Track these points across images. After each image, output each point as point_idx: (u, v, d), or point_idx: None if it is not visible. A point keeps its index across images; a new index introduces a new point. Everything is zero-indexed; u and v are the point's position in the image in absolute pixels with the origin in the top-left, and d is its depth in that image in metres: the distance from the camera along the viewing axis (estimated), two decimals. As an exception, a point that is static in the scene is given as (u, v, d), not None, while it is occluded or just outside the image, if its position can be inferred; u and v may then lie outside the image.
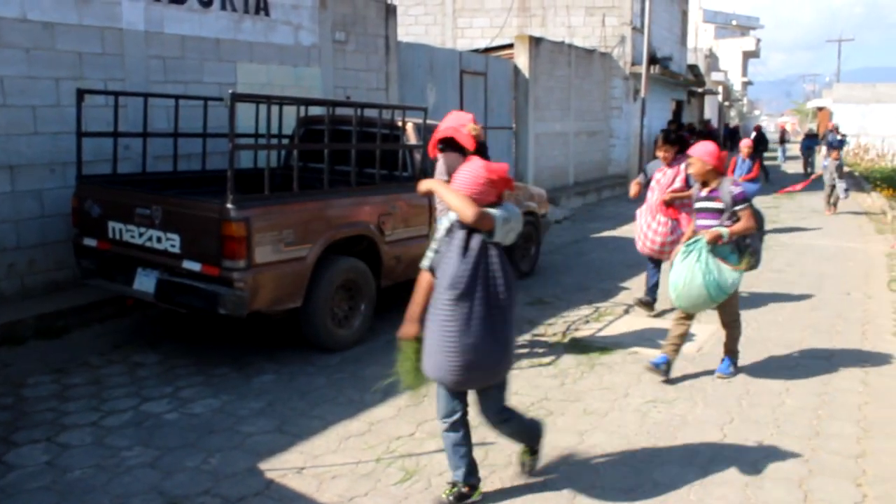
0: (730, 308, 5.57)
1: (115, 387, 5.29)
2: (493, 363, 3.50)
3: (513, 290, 3.54)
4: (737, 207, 5.35)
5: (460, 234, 3.49)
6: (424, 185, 3.58)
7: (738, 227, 5.30)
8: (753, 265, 5.54)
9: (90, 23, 7.24)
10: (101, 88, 7.15)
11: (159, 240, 5.70)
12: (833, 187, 15.82)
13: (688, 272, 5.23)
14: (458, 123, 5.46)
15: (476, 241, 3.45)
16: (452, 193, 3.39)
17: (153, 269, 5.81)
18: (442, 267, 3.52)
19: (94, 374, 5.52)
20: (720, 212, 5.41)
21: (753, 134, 27.98)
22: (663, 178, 7.37)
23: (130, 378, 5.47)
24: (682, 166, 7.05)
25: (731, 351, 5.77)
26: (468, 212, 3.31)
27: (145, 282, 5.84)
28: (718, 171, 5.49)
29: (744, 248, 5.39)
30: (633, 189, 7.57)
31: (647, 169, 7.70)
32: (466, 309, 3.41)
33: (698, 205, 5.59)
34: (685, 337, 5.64)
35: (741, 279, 5.33)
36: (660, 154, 7.49)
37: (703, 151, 5.51)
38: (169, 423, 4.72)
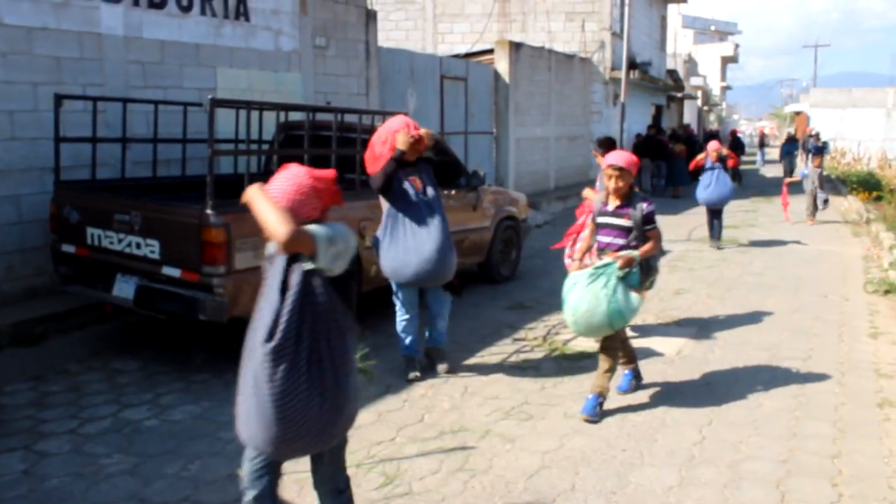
0: (620, 334, 5.07)
1: (94, 394, 5.26)
2: (321, 429, 2.75)
3: (348, 336, 2.82)
4: (647, 227, 4.88)
5: (280, 264, 2.76)
6: (246, 194, 2.72)
7: (648, 248, 4.87)
8: (650, 286, 5.14)
9: (68, 27, 7.20)
10: (80, 93, 7.11)
11: (139, 246, 5.68)
12: (814, 196, 14.86)
13: (592, 298, 4.72)
14: (381, 139, 5.42)
15: (298, 273, 2.69)
16: (269, 205, 2.61)
17: (132, 275, 5.78)
18: (260, 307, 2.78)
19: (73, 382, 5.48)
20: (628, 231, 4.91)
21: (730, 139, 28.36)
22: None
23: (110, 385, 5.44)
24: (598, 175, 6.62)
25: (600, 385, 4.98)
26: (280, 229, 2.53)
27: (125, 288, 5.81)
28: (631, 184, 4.98)
29: (645, 268, 4.94)
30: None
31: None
32: (287, 365, 2.65)
33: (602, 219, 5.01)
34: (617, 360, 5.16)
35: (641, 303, 4.90)
36: (600, 162, 6.77)
37: (628, 160, 4.91)
38: (149, 429, 4.70)
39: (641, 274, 4.89)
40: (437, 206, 5.48)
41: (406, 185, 5.40)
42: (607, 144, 6.96)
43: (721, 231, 12.17)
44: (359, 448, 4.46)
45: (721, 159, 11.67)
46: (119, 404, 5.07)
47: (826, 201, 14.88)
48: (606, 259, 4.82)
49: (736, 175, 25.83)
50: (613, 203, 4.97)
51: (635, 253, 4.79)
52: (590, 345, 6.56)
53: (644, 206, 4.87)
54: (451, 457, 4.36)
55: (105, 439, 4.53)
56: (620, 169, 4.84)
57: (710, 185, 11.58)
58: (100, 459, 4.27)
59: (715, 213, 11.99)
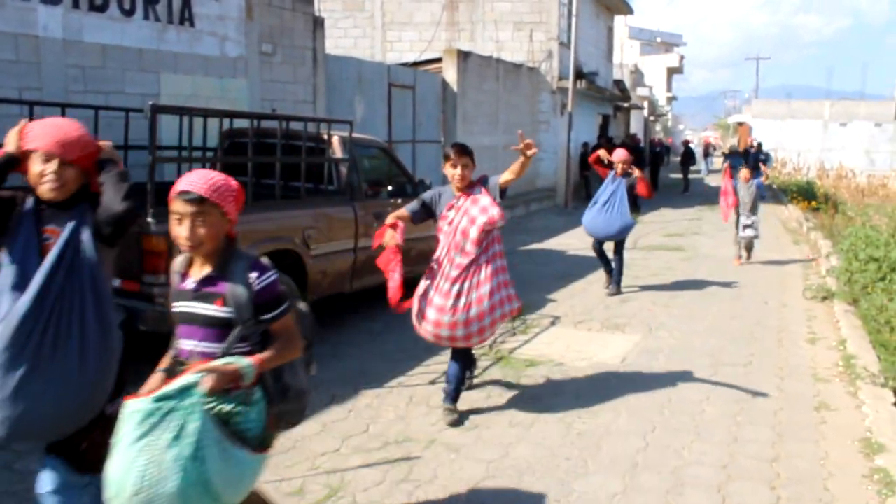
0: None
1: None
2: None
3: None
4: (265, 316, 2.65)
5: None
6: None
7: (273, 353, 2.63)
8: (296, 420, 2.90)
9: (3, 29, 7.00)
10: (16, 97, 6.92)
11: (76, 254, 5.52)
12: (746, 226, 11.17)
13: (148, 463, 2.37)
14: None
15: None
16: None
17: (69, 284, 5.62)
18: None
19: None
20: (225, 326, 2.62)
21: (682, 149, 28.87)
22: (460, 217, 4.86)
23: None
24: (480, 192, 4.94)
25: None
26: None
27: (61, 298, 5.64)
28: (231, 232, 2.71)
29: (278, 391, 2.73)
30: (388, 241, 4.78)
31: (430, 199, 5.11)
32: None
33: (178, 306, 2.71)
34: None
35: (265, 464, 2.68)
36: (452, 172, 4.93)
37: (213, 184, 2.60)
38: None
39: (266, 397, 2.67)
40: (51, 288, 2.71)
41: (23, 237, 2.78)
42: (460, 151, 4.97)
43: (621, 273, 9.23)
44: (302, 459, 4.41)
45: (627, 177, 8.92)
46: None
47: (749, 227, 11.07)
48: (183, 379, 2.44)
49: (686, 185, 26.44)
50: (198, 271, 2.70)
51: (242, 361, 2.53)
52: (538, 353, 6.60)
53: (254, 277, 2.63)
54: (395, 467, 4.33)
55: (37, 457, 4.38)
56: (199, 202, 2.56)
57: (604, 207, 8.82)
58: (30, 476, 4.12)
59: (614, 246, 9.20)
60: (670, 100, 73.26)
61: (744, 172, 11.38)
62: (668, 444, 4.73)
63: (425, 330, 4.88)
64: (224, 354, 2.59)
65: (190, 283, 2.70)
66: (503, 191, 4.98)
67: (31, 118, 6.36)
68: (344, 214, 6.73)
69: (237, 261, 2.67)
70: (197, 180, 2.59)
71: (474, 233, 4.78)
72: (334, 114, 11.18)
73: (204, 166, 7.70)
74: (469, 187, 4.96)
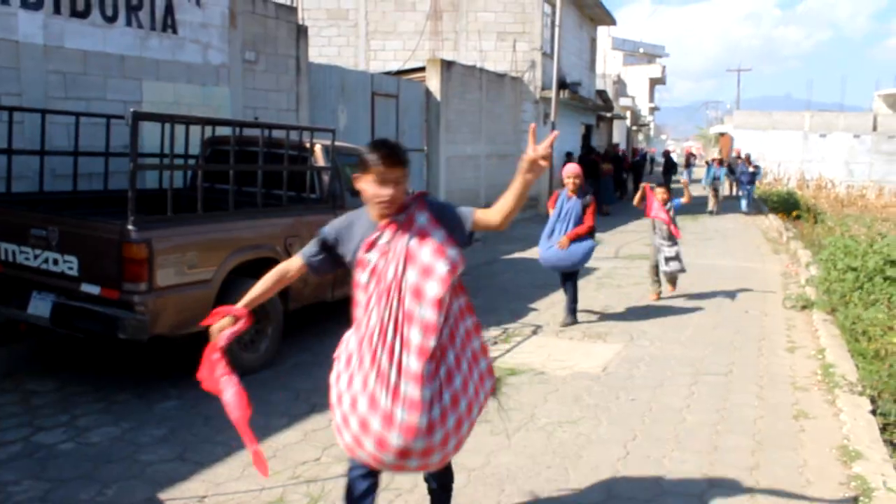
0: None
1: (4, 417, 5.03)
2: None
3: None
4: None
5: None
6: None
7: None
8: None
9: (-17, 35, 6.96)
10: (-5, 104, 6.87)
11: (56, 262, 5.49)
12: (670, 259, 9.38)
13: None
14: None
15: None
16: None
17: (49, 292, 5.59)
18: None
19: (-17, 404, 5.25)
20: None
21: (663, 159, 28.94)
22: (394, 263, 2.88)
23: (23, 407, 5.22)
24: (424, 219, 2.91)
25: None
26: None
27: (40, 306, 5.60)
28: None
29: None
30: (214, 332, 3.21)
31: (336, 236, 3.20)
32: None
33: None
34: None
35: None
36: (376, 191, 2.90)
37: None
38: (63, 453, 4.53)
39: None
40: None
41: None
42: (391, 159, 2.87)
43: (575, 304, 8.11)
44: (283, 468, 4.39)
45: (582, 196, 7.79)
46: (32, 427, 4.87)
47: (672, 260, 9.36)
48: None
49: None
50: None
51: None
52: (519, 362, 6.61)
53: None
54: (377, 476, 4.32)
55: (15, 465, 4.34)
56: None
57: (559, 236, 7.79)
58: (7, 487, 4.09)
59: (566, 276, 8.10)
60: (653, 110, 73.73)
61: (662, 193, 9.37)
62: (648, 453, 4.75)
63: (376, 458, 2.88)
64: None
65: None
66: (471, 234, 2.98)
67: (10, 123, 6.36)
68: (326, 222, 6.72)
69: None
70: None
71: (435, 290, 2.80)
72: (317, 122, 11.17)
73: (186, 174, 7.69)
74: (399, 212, 2.95)
